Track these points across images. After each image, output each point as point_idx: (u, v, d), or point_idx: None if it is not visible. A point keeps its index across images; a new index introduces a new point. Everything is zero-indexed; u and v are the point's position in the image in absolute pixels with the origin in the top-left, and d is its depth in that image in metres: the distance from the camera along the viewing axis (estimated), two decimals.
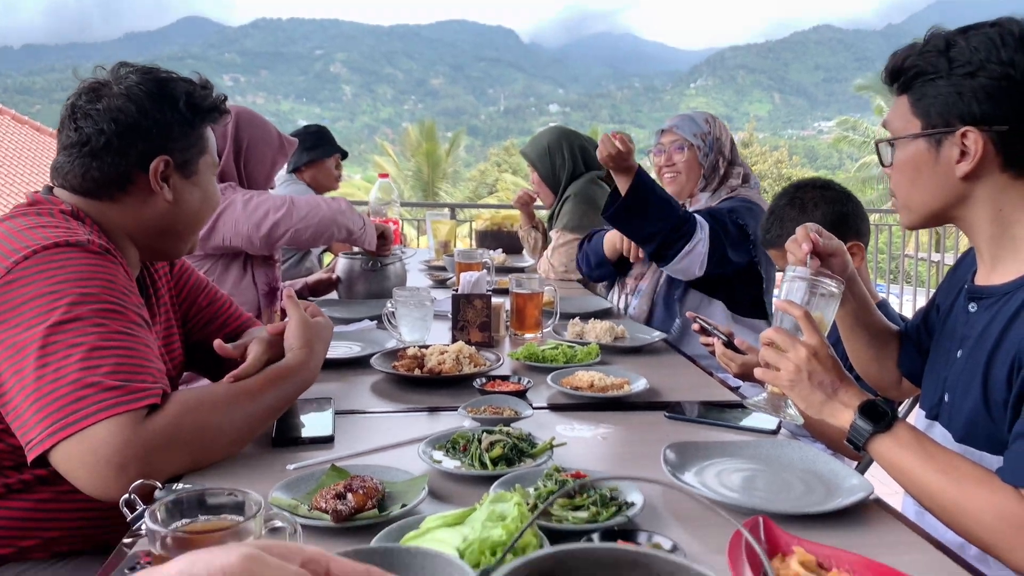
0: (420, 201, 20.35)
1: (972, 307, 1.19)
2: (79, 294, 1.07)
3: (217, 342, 1.36)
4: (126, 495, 0.87)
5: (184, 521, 0.71)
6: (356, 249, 2.53)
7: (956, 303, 1.25)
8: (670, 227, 2.14)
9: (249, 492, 0.72)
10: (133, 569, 0.80)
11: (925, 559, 0.93)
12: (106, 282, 1.11)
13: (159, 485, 0.96)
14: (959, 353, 1.18)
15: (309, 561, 0.49)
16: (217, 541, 0.65)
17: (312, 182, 3.49)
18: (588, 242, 2.71)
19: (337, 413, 1.41)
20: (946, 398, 1.19)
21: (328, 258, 3.88)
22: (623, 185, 2.12)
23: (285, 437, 1.27)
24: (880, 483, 1.13)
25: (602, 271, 2.67)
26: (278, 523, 0.74)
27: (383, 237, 2.44)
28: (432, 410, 1.48)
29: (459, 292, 1.98)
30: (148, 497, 0.90)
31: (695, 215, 2.22)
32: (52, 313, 1.05)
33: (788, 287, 1.19)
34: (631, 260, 2.54)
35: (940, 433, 1.18)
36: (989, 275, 1.18)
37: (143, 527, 0.71)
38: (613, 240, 2.56)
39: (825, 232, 1.24)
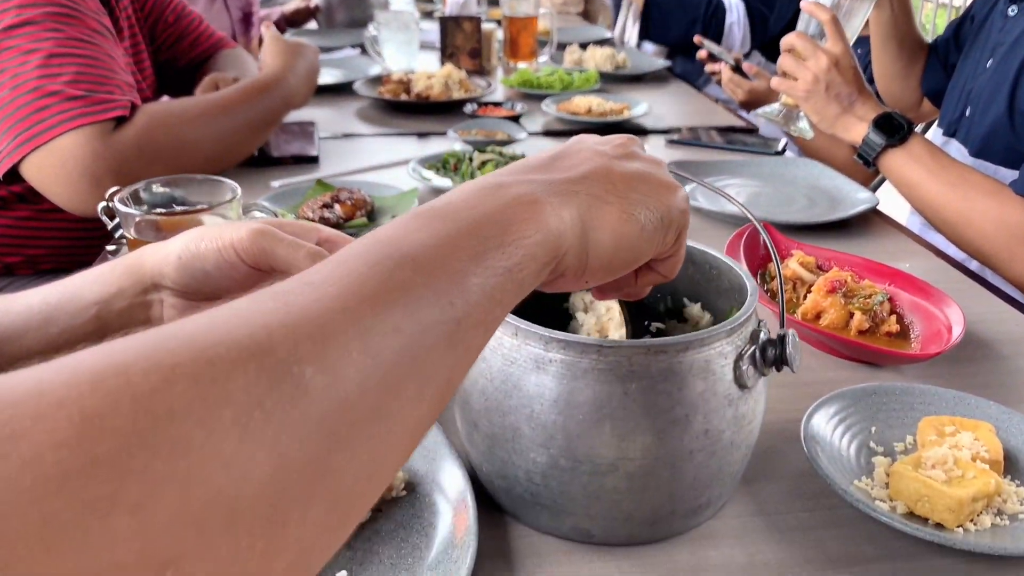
0: None
1: (1012, 10, 1.09)
2: None
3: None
4: (103, 202, 0.83)
5: (159, 210, 0.67)
6: None
7: (995, 9, 1.14)
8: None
9: (225, 180, 0.67)
10: (116, 253, 0.77)
11: (925, 265, 0.92)
12: None
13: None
14: (989, 63, 1.09)
15: (327, 241, 0.44)
16: (191, 224, 0.62)
17: None
18: None
19: (321, 138, 1.35)
20: (967, 112, 1.12)
21: None
22: None
23: (268, 156, 1.22)
24: (886, 199, 1.10)
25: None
26: (258, 214, 0.70)
27: None
28: (421, 135, 1.42)
29: (446, 14, 1.82)
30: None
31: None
32: (1, 17, 0.95)
33: None
34: None
35: (956, 149, 1.13)
36: None
37: (117, 214, 0.67)
38: None
39: None
